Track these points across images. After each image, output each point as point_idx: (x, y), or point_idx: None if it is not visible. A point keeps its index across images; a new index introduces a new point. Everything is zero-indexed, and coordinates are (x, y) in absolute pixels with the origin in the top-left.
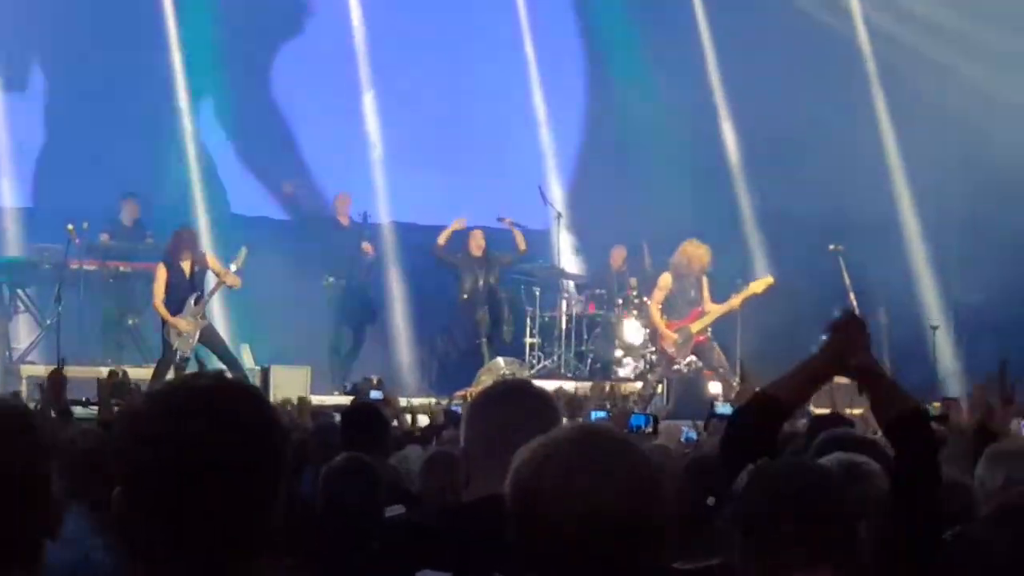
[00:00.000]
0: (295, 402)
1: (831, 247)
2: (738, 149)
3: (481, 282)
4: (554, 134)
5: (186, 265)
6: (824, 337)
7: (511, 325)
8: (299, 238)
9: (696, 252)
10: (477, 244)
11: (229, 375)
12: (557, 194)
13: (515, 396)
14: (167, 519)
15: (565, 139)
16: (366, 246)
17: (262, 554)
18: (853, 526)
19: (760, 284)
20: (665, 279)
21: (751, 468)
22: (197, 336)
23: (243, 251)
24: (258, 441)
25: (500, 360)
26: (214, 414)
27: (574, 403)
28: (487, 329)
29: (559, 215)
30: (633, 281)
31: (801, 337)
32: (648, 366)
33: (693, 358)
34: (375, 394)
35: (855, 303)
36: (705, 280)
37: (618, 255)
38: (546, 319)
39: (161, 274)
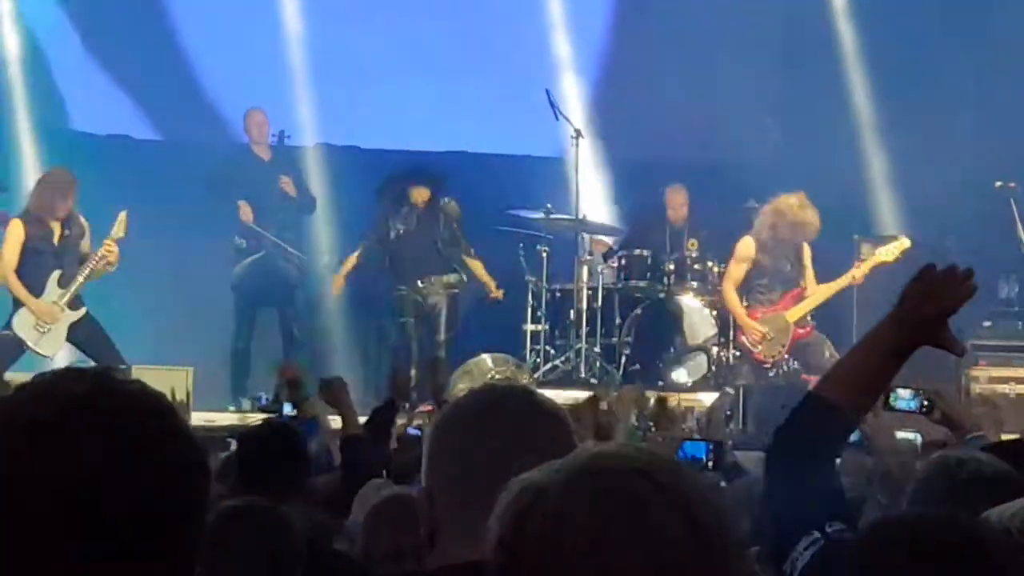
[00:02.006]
0: None
1: (998, 184)
2: (853, 28)
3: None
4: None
5: (55, 225)
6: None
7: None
8: (184, 171)
9: (800, 211)
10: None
11: (118, 375)
12: (575, 102)
13: (507, 411)
14: None
15: (586, 13)
16: (285, 181)
17: None
18: None
19: (892, 250)
20: (746, 246)
21: (815, 542)
22: (65, 333)
23: (122, 216)
24: (167, 485)
25: (487, 358)
26: (93, 438)
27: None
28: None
29: (577, 134)
30: (692, 243)
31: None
32: (717, 367)
33: (788, 358)
34: (287, 408)
35: None
36: (807, 249)
37: (679, 201)
38: (557, 295)
39: (15, 233)
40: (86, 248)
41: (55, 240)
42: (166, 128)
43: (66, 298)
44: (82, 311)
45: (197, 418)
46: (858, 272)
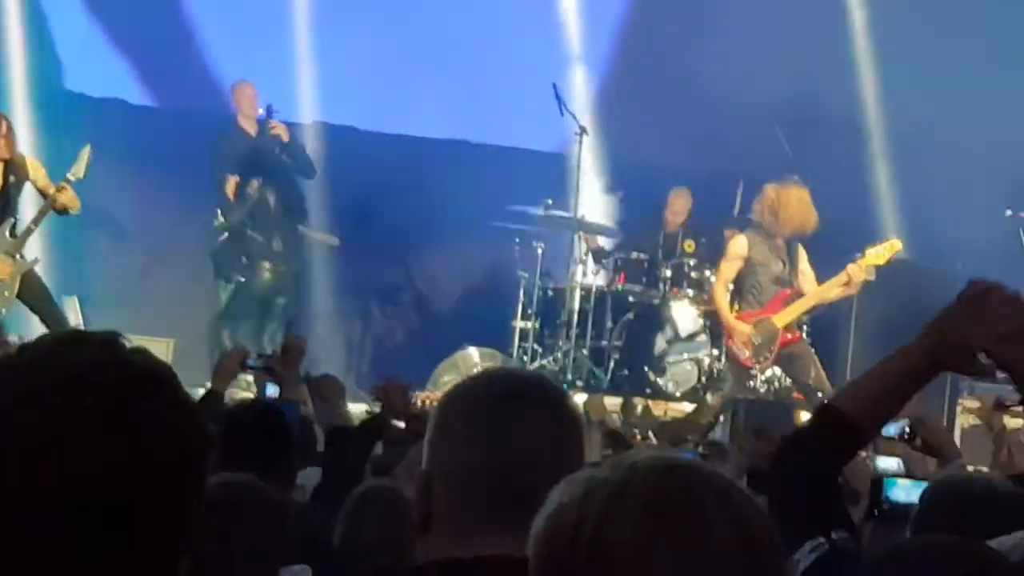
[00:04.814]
0: None
1: (1008, 212)
2: (870, 44)
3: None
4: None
5: None
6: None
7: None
8: (177, 139)
9: (794, 201)
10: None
11: (125, 342)
12: (581, 97)
13: (519, 400)
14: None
15: (599, 6)
16: (273, 125)
17: None
18: None
19: (881, 252)
20: (739, 244)
21: (819, 546)
22: (16, 286)
23: (85, 152)
24: (176, 458)
25: (473, 351)
26: (104, 406)
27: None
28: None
29: (582, 131)
30: (689, 244)
31: None
32: (707, 378)
33: (777, 371)
34: (271, 390)
35: None
36: (802, 250)
37: (679, 207)
38: (549, 293)
39: None
40: (46, 188)
41: None
42: (162, 94)
43: (19, 249)
44: (30, 263)
45: None
46: (847, 277)
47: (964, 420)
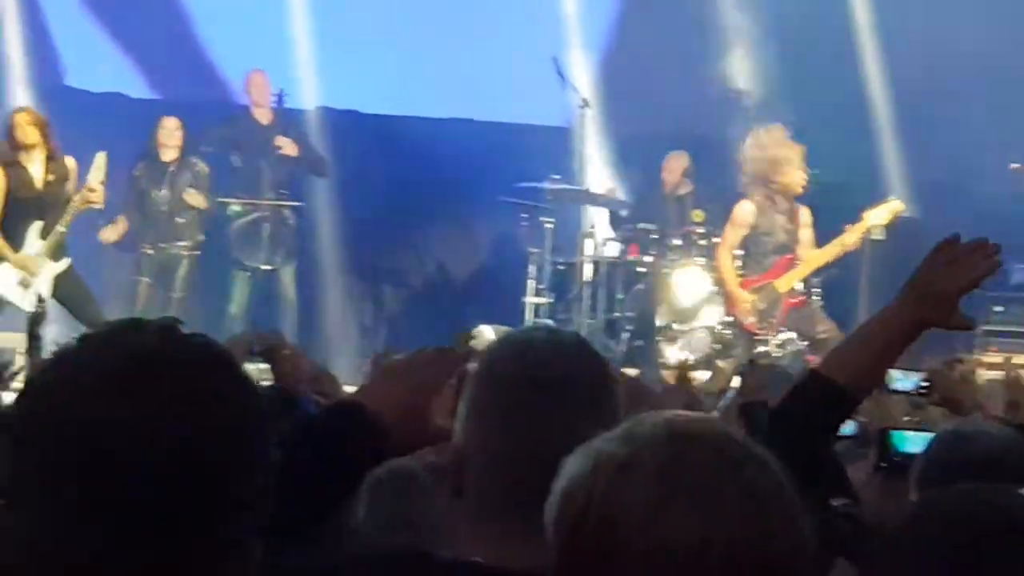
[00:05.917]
0: None
1: (1013, 166)
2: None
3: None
4: None
5: (36, 169)
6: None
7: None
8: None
9: (786, 154)
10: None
11: (181, 329)
12: (583, 71)
13: (564, 382)
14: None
15: None
16: (281, 142)
17: None
18: None
19: (882, 212)
20: (744, 211)
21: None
22: (51, 285)
23: (101, 158)
24: (226, 434)
25: (486, 330)
26: (171, 387)
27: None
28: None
29: (584, 103)
30: (698, 214)
31: (967, 301)
32: (720, 346)
33: (792, 335)
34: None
35: None
36: (805, 212)
37: (674, 166)
38: (560, 268)
39: None
40: (71, 191)
41: (39, 185)
42: (162, 87)
43: (48, 249)
44: (65, 262)
45: None
46: (849, 237)
47: (981, 374)
